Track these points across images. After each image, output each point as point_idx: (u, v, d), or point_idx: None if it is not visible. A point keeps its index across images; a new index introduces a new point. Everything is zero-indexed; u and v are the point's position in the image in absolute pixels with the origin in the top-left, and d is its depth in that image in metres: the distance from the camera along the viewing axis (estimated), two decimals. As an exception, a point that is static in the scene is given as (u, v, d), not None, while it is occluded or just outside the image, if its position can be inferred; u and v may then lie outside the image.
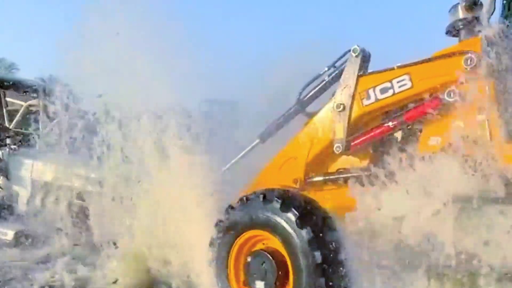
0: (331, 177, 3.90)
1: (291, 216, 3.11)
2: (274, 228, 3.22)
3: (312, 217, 3.17)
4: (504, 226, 2.67)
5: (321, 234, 3.08)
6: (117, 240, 4.51)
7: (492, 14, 2.96)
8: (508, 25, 2.92)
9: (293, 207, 3.15)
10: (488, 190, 2.80)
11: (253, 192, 3.43)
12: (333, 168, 3.98)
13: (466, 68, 3.16)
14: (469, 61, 3.14)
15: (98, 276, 4.37)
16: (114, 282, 4.21)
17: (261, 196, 3.31)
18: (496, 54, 2.87)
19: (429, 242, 2.89)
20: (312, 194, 3.75)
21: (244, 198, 3.44)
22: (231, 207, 3.51)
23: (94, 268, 4.60)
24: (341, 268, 3.04)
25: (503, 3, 2.96)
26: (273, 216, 3.21)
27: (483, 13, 2.92)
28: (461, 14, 3.32)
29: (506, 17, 3.01)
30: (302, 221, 3.09)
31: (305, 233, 3.05)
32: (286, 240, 3.15)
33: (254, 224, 3.36)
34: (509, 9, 2.96)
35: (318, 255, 3.00)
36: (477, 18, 3.16)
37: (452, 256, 2.82)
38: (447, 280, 2.86)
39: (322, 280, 2.97)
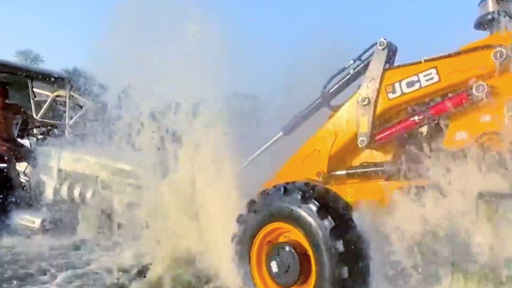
0: (355, 170, 3.89)
1: (313, 206, 3.14)
2: (295, 220, 3.25)
3: (333, 207, 3.20)
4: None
5: (342, 224, 3.10)
6: (147, 224, 4.60)
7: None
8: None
9: (314, 199, 3.17)
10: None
11: (273, 186, 3.45)
12: (356, 162, 3.96)
13: (495, 62, 3.11)
14: (498, 55, 3.09)
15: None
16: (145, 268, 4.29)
17: (282, 189, 3.34)
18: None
19: (455, 239, 2.85)
20: (334, 187, 3.74)
21: (265, 192, 3.47)
22: (252, 201, 3.54)
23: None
24: (363, 258, 3.05)
25: None
26: (294, 208, 3.24)
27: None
28: (491, 7, 3.26)
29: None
30: (323, 212, 3.11)
31: (326, 223, 3.07)
32: (307, 231, 3.17)
33: (275, 217, 3.40)
34: None
35: (340, 244, 3.02)
36: (507, 12, 3.10)
37: (480, 253, 2.79)
38: (470, 277, 2.83)
39: (345, 269, 2.99)
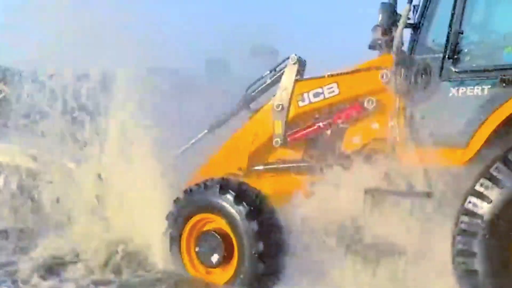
0: (271, 166, 4.52)
1: (229, 197, 3.82)
2: (216, 210, 3.91)
3: (247, 195, 3.90)
4: (402, 215, 3.40)
5: (255, 208, 3.81)
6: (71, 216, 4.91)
7: (402, 44, 3.59)
8: (412, 55, 3.57)
9: (230, 190, 3.85)
10: (392, 184, 3.52)
11: (195, 184, 4.08)
12: (272, 158, 4.60)
13: (382, 82, 3.83)
14: (384, 76, 3.80)
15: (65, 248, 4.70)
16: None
17: (203, 185, 3.99)
18: (402, 74, 3.53)
19: (347, 226, 3.59)
20: (254, 181, 4.38)
21: (189, 189, 4.08)
22: (178, 199, 4.13)
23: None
24: (276, 234, 3.78)
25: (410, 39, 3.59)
26: (214, 199, 3.89)
27: (396, 38, 3.53)
28: (379, 34, 3.94)
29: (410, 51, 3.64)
30: (238, 200, 3.81)
31: (242, 208, 3.77)
32: (227, 217, 3.84)
33: (199, 210, 4.03)
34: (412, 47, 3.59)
35: (254, 224, 3.72)
36: (391, 40, 3.78)
37: (366, 238, 3.55)
38: (359, 256, 3.57)
39: (261, 244, 3.70)
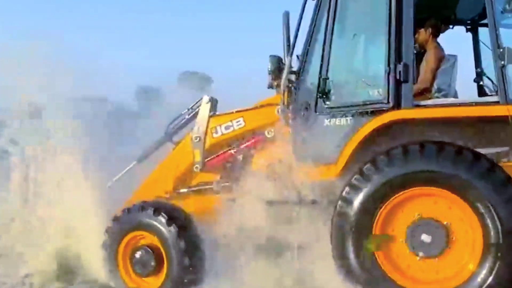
0: (193, 189, 5.35)
1: (162, 219, 4.59)
2: (150, 229, 4.66)
3: (177, 217, 4.68)
4: (296, 220, 4.36)
5: (184, 229, 4.60)
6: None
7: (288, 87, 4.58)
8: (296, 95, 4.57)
9: (163, 212, 4.63)
10: (288, 195, 4.47)
11: (133, 204, 4.82)
12: (195, 182, 5.43)
13: (277, 115, 4.81)
14: (278, 111, 4.79)
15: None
16: None
17: (139, 206, 4.73)
18: (290, 110, 4.54)
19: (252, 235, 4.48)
20: (179, 202, 5.18)
21: (127, 209, 4.79)
22: (116, 217, 4.83)
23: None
24: (199, 251, 4.60)
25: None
26: (149, 220, 4.65)
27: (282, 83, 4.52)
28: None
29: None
30: (169, 221, 4.58)
31: (172, 229, 4.54)
32: (159, 235, 4.60)
33: (135, 228, 4.76)
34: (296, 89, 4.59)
35: (182, 243, 4.51)
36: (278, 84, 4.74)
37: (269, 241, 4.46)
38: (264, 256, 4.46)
39: (187, 259, 4.50)
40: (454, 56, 4.64)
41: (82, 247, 5.21)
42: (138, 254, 4.69)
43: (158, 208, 4.67)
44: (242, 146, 5.10)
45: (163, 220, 4.59)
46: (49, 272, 5.15)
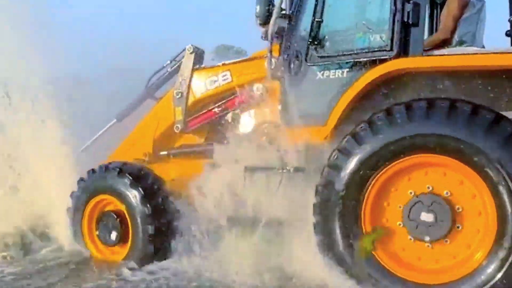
0: (175, 151, 4.76)
1: (126, 180, 4.03)
2: (115, 192, 4.11)
3: (143, 180, 4.11)
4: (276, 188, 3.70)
5: (150, 193, 4.04)
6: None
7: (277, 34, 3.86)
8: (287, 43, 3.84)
9: (128, 174, 4.06)
10: (271, 161, 3.81)
11: (98, 165, 4.26)
12: (178, 144, 4.83)
13: (267, 69, 4.12)
14: (270, 63, 4.09)
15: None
16: None
17: (104, 167, 4.19)
18: (278, 61, 3.83)
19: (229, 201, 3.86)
20: (159, 166, 4.61)
21: (92, 170, 4.25)
22: (81, 179, 4.30)
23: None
24: (166, 218, 4.02)
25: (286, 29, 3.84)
26: (113, 183, 4.10)
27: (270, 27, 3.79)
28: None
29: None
30: (134, 184, 4.02)
31: (137, 192, 3.99)
32: (124, 200, 4.05)
33: (100, 191, 4.21)
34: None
35: (148, 208, 3.96)
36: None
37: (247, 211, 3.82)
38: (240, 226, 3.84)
39: (152, 227, 3.96)
40: (482, 1, 3.79)
41: (51, 215, 4.74)
42: (103, 220, 4.18)
43: (123, 169, 4.10)
44: (228, 104, 4.45)
45: (127, 182, 4.03)
46: (16, 240, 4.71)
